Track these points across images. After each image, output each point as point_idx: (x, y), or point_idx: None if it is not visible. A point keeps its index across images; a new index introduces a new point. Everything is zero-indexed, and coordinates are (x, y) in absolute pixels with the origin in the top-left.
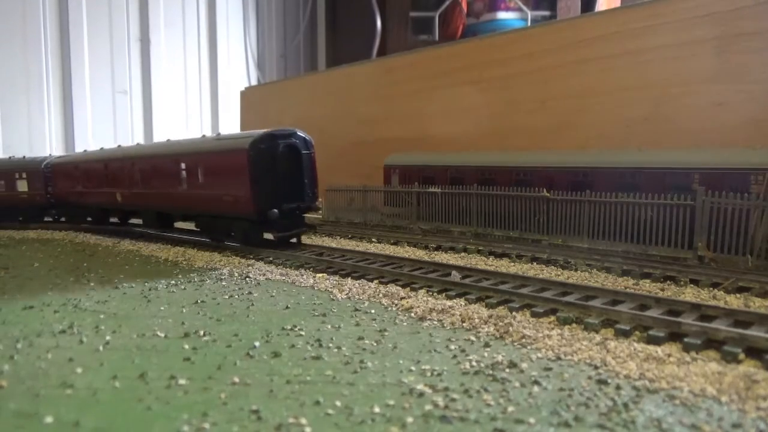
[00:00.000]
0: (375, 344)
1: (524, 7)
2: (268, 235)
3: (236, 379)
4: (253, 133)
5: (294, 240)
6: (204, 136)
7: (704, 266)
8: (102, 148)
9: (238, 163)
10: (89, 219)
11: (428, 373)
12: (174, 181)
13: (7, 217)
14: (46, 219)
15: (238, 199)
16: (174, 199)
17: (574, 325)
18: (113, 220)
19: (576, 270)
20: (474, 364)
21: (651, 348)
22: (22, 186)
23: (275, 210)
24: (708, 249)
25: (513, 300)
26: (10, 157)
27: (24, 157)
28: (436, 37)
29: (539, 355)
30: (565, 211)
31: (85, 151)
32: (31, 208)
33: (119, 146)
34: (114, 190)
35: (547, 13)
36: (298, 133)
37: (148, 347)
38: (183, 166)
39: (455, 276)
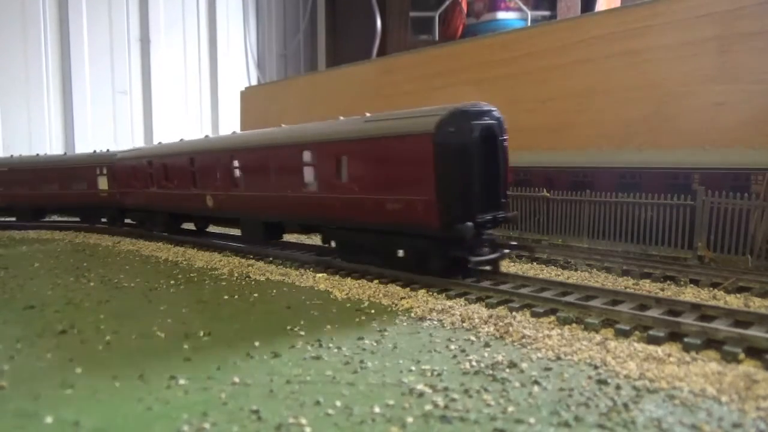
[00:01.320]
0: (375, 344)
1: (524, 7)
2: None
3: (236, 379)
4: (437, 110)
5: (488, 266)
6: (339, 118)
7: (704, 266)
8: (182, 140)
9: (415, 152)
10: (159, 225)
11: (428, 373)
12: (296, 180)
13: (90, 218)
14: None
15: (412, 206)
16: (297, 205)
17: (574, 325)
18: (183, 226)
19: (576, 270)
20: (474, 364)
21: (651, 348)
22: (103, 183)
23: (469, 223)
24: (708, 249)
25: (513, 300)
26: (94, 151)
27: (93, 150)
28: (436, 37)
29: (539, 355)
30: (565, 211)
31: (160, 143)
32: (110, 209)
33: (207, 136)
34: (203, 192)
35: (547, 13)
36: (494, 112)
37: (148, 347)
38: (311, 159)
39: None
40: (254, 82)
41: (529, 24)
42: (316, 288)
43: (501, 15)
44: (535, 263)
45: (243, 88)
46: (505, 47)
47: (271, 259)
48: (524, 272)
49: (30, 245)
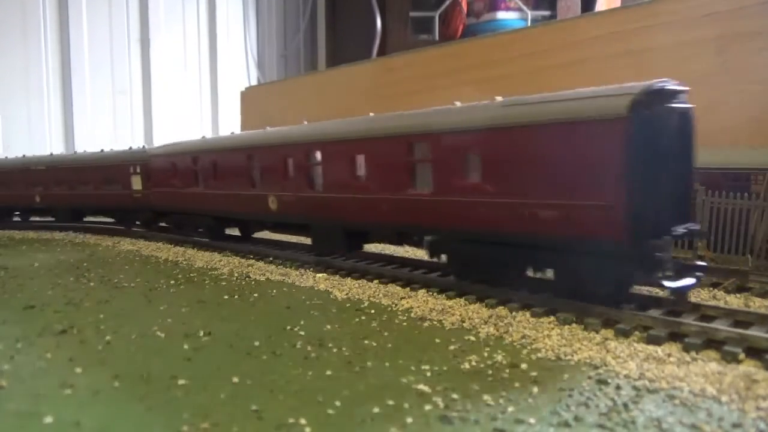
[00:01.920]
0: (375, 344)
1: (524, 7)
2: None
3: (236, 379)
4: (624, 89)
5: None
6: (455, 104)
7: None
8: (232, 133)
9: (591, 143)
10: (200, 230)
11: (428, 373)
12: (399, 180)
13: (125, 221)
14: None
15: (581, 213)
16: (398, 210)
17: (574, 325)
18: (227, 231)
19: None
20: (474, 364)
21: (651, 348)
22: (137, 183)
23: (668, 236)
24: (708, 249)
25: (513, 300)
26: (130, 147)
27: (128, 147)
28: (436, 37)
29: (539, 355)
30: None
31: (203, 137)
32: (142, 211)
33: (266, 129)
34: (264, 193)
35: (547, 13)
36: (685, 93)
37: (148, 347)
38: (425, 153)
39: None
40: (254, 82)
41: (529, 24)
42: (316, 288)
43: (501, 15)
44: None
45: (243, 89)
46: (505, 47)
47: (271, 259)
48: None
49: (30, 245)
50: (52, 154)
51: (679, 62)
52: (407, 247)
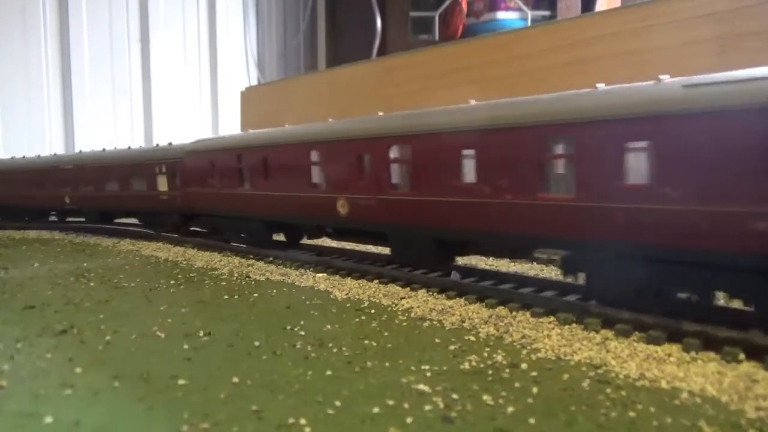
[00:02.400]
0: (375, 344)
1: (524, 7)
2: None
3: (236, 379)
4: None
5: None
6: (598, 86)
7: None
8: (285, 126)
9: None
10: (242, 235)
11: (428, 373)
12: (526, 180)
13: (154, 224)
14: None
15: None
16: (519, 216)
17: (574, 325)
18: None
19: None
20: (474, 364)
21: (651, 348)
22: (163, 184)
23: None
24: None
25: (513, 300)
26: (157, 144)
27: (155, 144)
28: (436, 37)
29: (539, 355)
30: None
31: (248, 131)
32: (170, 214)
33: (330, 120)
34: (332, 195)
35: (547, 13)
36: None
37: (148, 347)
38: (570, 148)
39: (455, 276)
40: (254, 82)
41: (529, 24)
42: (316, 288)
43: (501, 15)
44: (535, 263)
45: (243, 88)
46: (505, 47)
47: (271, 259)
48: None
49: (30, 245)
50: (81, 151)
51: (680, 62)
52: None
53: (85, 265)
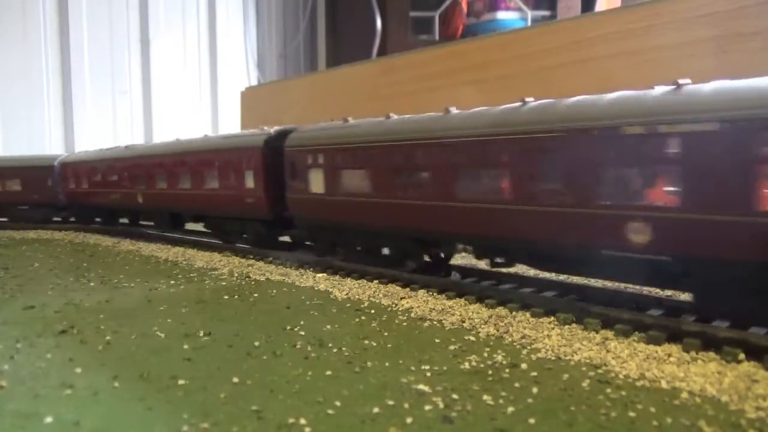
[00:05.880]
0: (375, 344)
1: (524, 7)
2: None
3: (236, 379)
4: None
5: None
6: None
7: None
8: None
9: None
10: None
11: (428, 373)
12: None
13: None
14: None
15: None
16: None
17: (574, 325)
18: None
19: None
20: (474, 364)
21: (651, 348)
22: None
23: None
24: None
25: (513, 300)
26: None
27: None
28: (436, 37)
29: (539, 355)
30: None
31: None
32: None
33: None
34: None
35: (547, 13)
36: None
37: (148, 347)
38: None
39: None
40: (254, 82)
41: (529, 24)
42: (316, 288)
43: (501, 15)
44: None
45: (243, 89)
46: (505, 47)
47: (271, 259)
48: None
49: (30, 245)
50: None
51: (680, 62)
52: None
53: (85, 265)
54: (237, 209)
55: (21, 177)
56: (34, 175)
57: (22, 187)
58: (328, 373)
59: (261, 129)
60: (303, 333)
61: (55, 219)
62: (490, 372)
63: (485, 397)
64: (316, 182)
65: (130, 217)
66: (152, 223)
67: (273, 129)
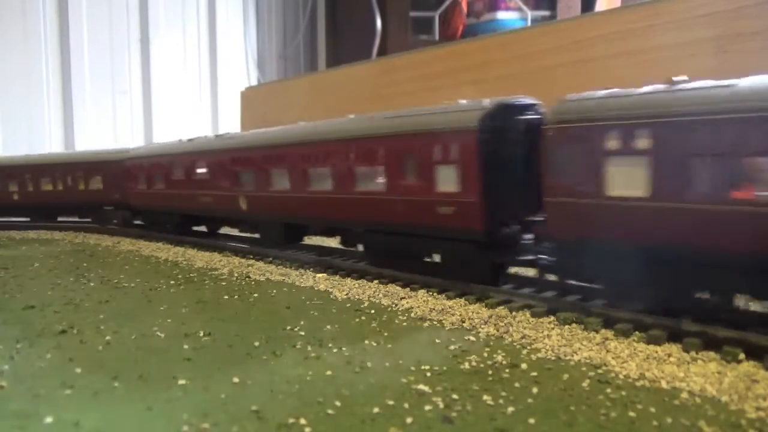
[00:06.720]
0: (375, 344)
1: (524, 7)
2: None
3: (236, 379)
4: None
5: None
6: None
7: None
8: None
9: None
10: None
11: (428, 373)
12: None
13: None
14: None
15: None
16: None
17: (574, 325)
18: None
19: None
20: (474, 364)
21: (651, 348)
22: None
23: None
24: None
25: (513, 300)
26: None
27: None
28: (436, 37)
29: (539, 355)
30: None
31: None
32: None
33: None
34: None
35: (547, 13)
36: None
37: (148, 347)
38: None
39: None
40: (254, 83)
41: (529, 24)
42: (316, 288)
43: (501, 15)
44: None
45: (243, 89)
46: (505, 47)
47: (271, 259)
48: None
49: (30, 245)
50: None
51: (680, 62)
52: None
53: (85, 265)
54: (425, 222)
55: (103, 174)
56: (114, 171)
57: (104, 186)
58: (328, 373)
59: (465, 102)
60: (303, 333)
61: (137, 222)
62: (490, 372)
63: (485, 397)
64: (629, 178)
65: (213, 226)
66: (236, 234)
67: (488, 101)
